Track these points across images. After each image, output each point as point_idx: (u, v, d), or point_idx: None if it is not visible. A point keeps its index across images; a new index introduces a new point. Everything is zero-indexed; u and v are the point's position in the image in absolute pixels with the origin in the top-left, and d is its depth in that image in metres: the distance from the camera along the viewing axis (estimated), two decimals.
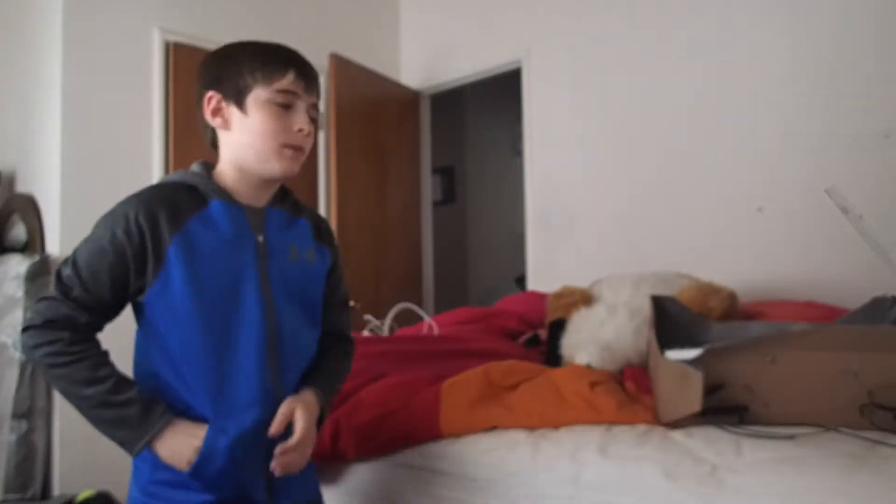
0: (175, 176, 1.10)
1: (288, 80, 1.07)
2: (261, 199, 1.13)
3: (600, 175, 3.13)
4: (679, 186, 2.85)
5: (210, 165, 1.14)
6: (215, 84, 1.08)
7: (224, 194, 1.08)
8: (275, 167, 1.08)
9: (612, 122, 3.10)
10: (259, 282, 1.07)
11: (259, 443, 1.07)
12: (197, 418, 1.05)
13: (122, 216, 1.01)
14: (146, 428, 1.01)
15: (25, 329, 1.00)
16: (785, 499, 1.02)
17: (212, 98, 1.08)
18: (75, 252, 1.02)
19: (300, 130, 1.08)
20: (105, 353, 1.04)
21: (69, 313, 0.99)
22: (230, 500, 1.07)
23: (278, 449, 1.06)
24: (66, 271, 1.01)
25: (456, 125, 5.53)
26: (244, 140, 1.07)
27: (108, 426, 1.02)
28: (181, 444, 1.03)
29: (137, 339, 1.08)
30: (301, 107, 1.09)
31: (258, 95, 1.06)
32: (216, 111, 1.08)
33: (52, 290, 1.01)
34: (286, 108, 1.07)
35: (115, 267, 1.00)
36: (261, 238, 1.09)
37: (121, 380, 1.02)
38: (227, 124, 1.09)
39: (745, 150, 2.66)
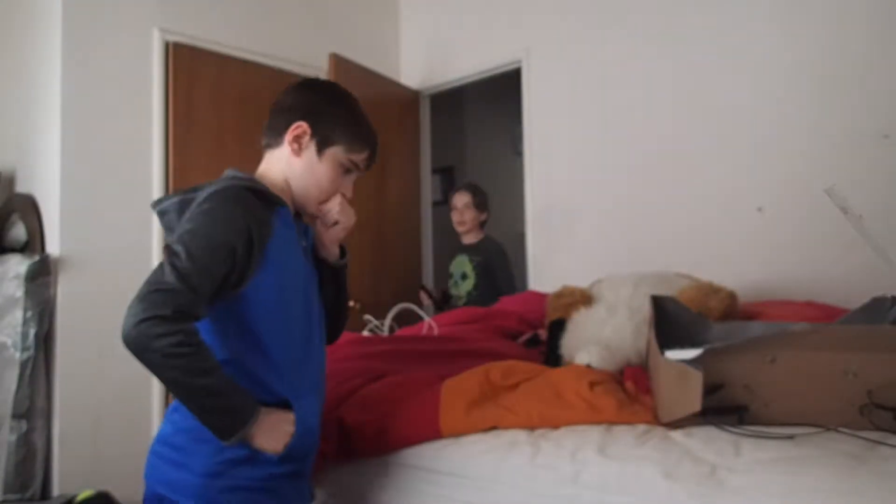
0: (242, 179, 1.18)
1: (362, 157, 1.30)
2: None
3: (600, 175, 3.13)
4: (679, 186, 2.85)
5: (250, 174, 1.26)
6: (311, 119, 1.25)
7: (283, 202, 1.21)
8: (311, 208, 1.29)
9: (611, 122, 3.10)
10: (314, 278, 1.29)
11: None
12: (275, 403, 1.15)
13: (230, 217, 1.10)
14: (245, 417, 1.08)
15: (146, 320, 0.98)
16: (785, 499, 1.02)
17: (300, 127, 1.24)
18: (186, 246, 1.05)
19: (343, 195, 1.31)
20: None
21: (192, 304, 1.02)
22: (294, 473, 1.20)
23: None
24: (183, 264, 1.03)
25: (456, 125, 5.53)
26: (304, 175, 1.26)
27: (214, 415, 1.06)
28: (277, 431, 1.14)
29: (207, 330, 1.11)
30: (352, 177, 1.32)
31: (336, 153, 1.26)
32: (298, 139, 1.24)
33: (170, 281, 1.01)
34: (346, 172, 1.29)
35: (226, 262, 1.07)
36: (304, 243, 1.28)
37: (222, 369, 1.07)
38: (298, 153, 1.25)
39: (745, 150, 2.66)
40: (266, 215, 1.15)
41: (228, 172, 1.23)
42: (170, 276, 1.01)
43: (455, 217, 3.31)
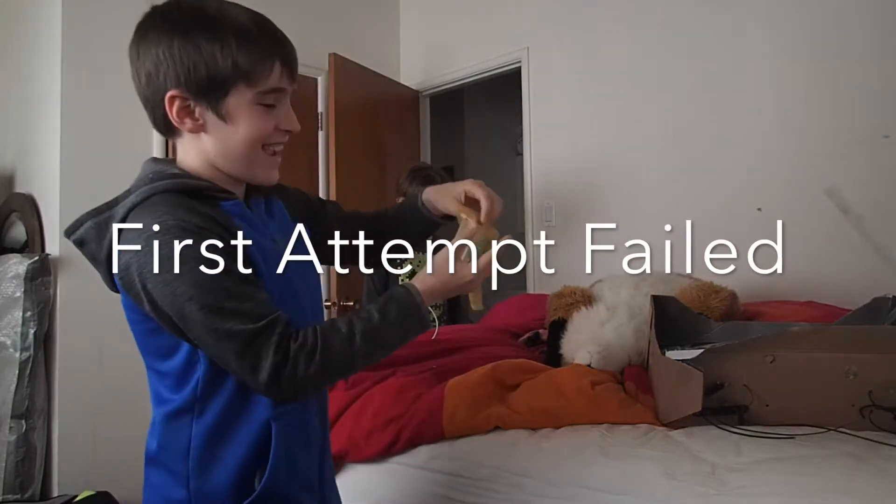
0: (166, 177, 0.90)
1: (275, 77, 0.89)
2: (240, 192, 0.98)
3: (600, 174, 3.13)
4: (679, 186, 2.85)
5: (172, 161, 0.96)
6: (179, 80, 0.85)
7: (231, 193, 0.93)
8: (263, 175, 0.95)
9: (611, 122, 3.09)
10: (307, 276, 1.04)
11: None
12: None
13: (183, 235, 0.81)
14: (415, 309, 0.92)
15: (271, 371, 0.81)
16: (785, 499, 1.01)
17: (174, 99, 0.86)
18: (192, 302, 0.81)
19: (288, 131, 0.94)
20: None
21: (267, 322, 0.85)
22: None
23: None
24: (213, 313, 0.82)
25: (456, 125, 5.53)
26: (224, 145, 0.90)
27: (405, 334, 0.93)
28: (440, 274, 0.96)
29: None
30: (285, 106, 0.94)
31: (240, 97, 0.88)
32: (183, 113, 0.88)
33: (237, 330, 0.81)
34: (269, 106, 0.91)
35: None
36: (276, 236, 0.99)
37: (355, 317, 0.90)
38: (200, 127, 0.89)
39: (745, 150, 2.66)
40: (221, 217, 0.87)
41: (148, 167, 0.93)
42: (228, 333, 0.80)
43: None
